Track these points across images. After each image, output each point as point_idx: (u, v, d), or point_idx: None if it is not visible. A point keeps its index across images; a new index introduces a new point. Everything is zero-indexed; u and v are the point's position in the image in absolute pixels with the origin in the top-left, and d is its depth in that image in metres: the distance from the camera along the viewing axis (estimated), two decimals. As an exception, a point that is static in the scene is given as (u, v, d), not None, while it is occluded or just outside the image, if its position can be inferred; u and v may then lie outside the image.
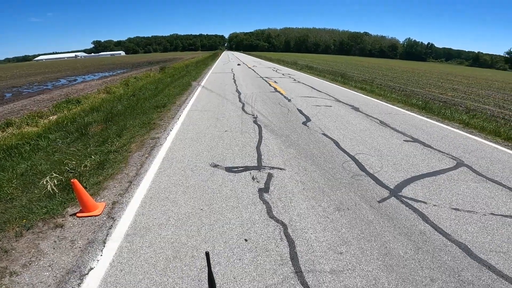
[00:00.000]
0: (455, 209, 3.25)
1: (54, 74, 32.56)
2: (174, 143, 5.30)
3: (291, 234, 2.77)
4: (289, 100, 9.25)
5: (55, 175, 3.74)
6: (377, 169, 4.16)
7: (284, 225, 2.91)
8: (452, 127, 6.72)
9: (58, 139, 5.48)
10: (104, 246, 2.66)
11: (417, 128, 6.36)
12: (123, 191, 3.62)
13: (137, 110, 7.75)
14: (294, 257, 2.48)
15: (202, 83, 13.53)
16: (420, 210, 3.20)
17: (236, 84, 13.10)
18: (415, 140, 5.48)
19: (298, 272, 2.31)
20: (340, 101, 9.29)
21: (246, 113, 7.52)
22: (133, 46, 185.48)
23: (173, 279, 2.26)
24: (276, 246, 2.61)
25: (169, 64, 29.81)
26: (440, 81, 23.40)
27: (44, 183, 3.57)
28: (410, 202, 3.36)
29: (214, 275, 2.25)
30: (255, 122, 6.65)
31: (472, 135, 6.14)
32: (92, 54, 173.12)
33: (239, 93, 10.51)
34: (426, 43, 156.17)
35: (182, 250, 2.58)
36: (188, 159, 4.59)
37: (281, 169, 4.19)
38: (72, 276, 2.34)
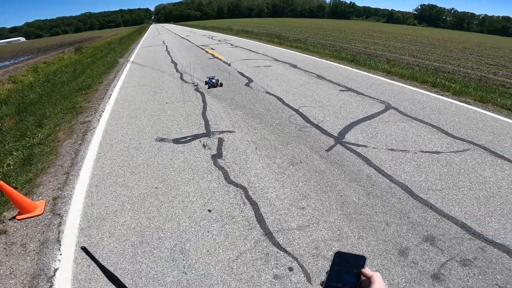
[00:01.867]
0: (391, 149, 3.63)
1: None
2: (109, 124, 4.78)
3: (252, 197, 2.80)
4: (229, 65, 9.00)
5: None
6: (320, 119, 4.42)
7: (244, 188, 2.93)
8: (377, 75, 7.43)
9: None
10: (60, 245, 2.38)
11: (349, 79, 6.87)
12: (62, 185, 3.20)
13: (56, 95, 6.69)
14: (260, 219, 2.52)
15: (131, 59, 12.17)
16: (363, 154, 3.52)
17: (170, 56, 12.12)
18: (349, 89, 5.94)
19: (268, 234, 2.36)
20: (278, 60, 9.40)
21: (186, 82, 7.10)
22: (35, 30, 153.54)
23: (146, 264, 2.15)
24: (241, 211, 2.62)
25: (87, 44, 25.79)
26: (363, 37, 25.25)
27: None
28: (353, 147, 3.68)
29: (185, 252, 2.22)
30: (196, 90, 6.34)
31: (394, 81, 6.90)
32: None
33: (175, 64, 9.80)
34: (349, 2, 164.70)
35: (147, 233, 2.44)
36: (130, 137, 4.21)
37: (230, 132, 4.16)
38: (39, 280, 2.07)
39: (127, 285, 0.74)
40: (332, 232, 2.38)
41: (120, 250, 2.29)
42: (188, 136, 4.10)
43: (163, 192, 2.96)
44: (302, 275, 2.00)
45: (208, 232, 2.42)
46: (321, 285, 0.61)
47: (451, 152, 3.58)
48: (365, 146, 3.70)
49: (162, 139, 4.07)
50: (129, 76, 8.54)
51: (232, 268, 2.06)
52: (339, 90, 5.88)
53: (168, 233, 2.43)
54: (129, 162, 3.55)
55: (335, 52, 11.28)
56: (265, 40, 16.68)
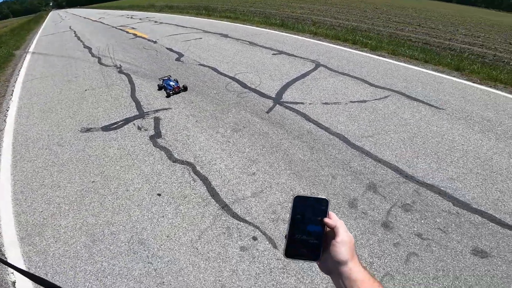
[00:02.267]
0: (325, 103, 3.84)
1: None
2: (19, 123, 4.04)
3: (201, 171, 2.71)
4: (155, 42, 8.24)
5: None
6: (257, 83, 4.42)
7: (190, 165, 2.81)
8: (305, 37, 7.67)
9: None
10: (6, 257, 2.10)
11: (280, 42, 6.95)
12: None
13: None
14: (214, 193, 2.46)
15: (31, 49, 10.25)
16: (301, 110, 3.66)
17: (81, 41, 10.52)
18: (281, 52, 6.02)
19: (225, 207, 2.32)
20: (209, 32, 8.96)
21: (106, 65, 6.30)
22: None
23: (107, 262, 1.96)
24: (192, 189, 2.52)
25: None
26: (290, 2, 25.57)
27: None
28: (291, 105, 3.79)
29: (144, 242, 2.08)
30: (120, 72, 5.70)
31: (321, 41, 7.22)
32: None
33: (89, 48, 8.57)
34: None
35: (97, 231, 2.21)
36: (48, 133, 3.63)
37: (166, 109, 3.89)
38: None
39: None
40: (285, 193, 2.44)
41: (73, 253, 2.06)
42: (119, 121, 3.71)
43: (102, 185, 2.67)
44: (267, 242, 2.03)
45: (163, 217, 2.30)
46: (285, 238, 0.56)
47: (375, 99, 3.96)
48: (302, 103, 3.86)
49: (88, 129, 3.61)
50: (32, 68, 7.22)
51: (197, 249, 2.01)
52: (272, 54, 5.92)
53: (121, 226, 2.24)
54: (54, 160, 3.09)
55: (265, 19, 11.23)
56: (192, 14, 15.65)
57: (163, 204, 2.40)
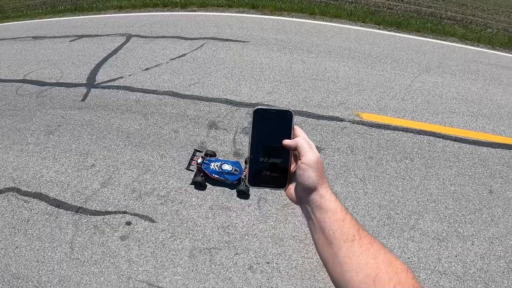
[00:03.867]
0: (146, 69, 3.64)
1: None
2: None
3: (29, 190, 2.23)
4: None
5: None
6: (58, 76, 3.64)
7: (13, 189, 2.29)
8: (109, 14, 6.81)
9: None
10: None
11: (76, 27, 5.86)
12: None
13: None
14: (58, 203, 2.15)
15: None
16: (122, 84, 3.32)
17: None
18: (80, 37, 5.12)
19: (79, 209, 2.01)
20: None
21: None
22: None
23: None
24: (30, 210, 1.92)
25: None
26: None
27: None
28: (109, 83, 3.37)
29: (19, 275, 1.44)
30: None
31: (129, 13, 6.61)
32: None
33: None
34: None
35: None
36: None
37: None
38: None
39: None
40: (136, 167, 2.30)
41: None
42: None
43: None
44: (143, 220, 1.95)
45: (17, 247, 1.88)
46: (246, 162, 0.36)
47: (193, 50, 4.04)
48: (121, 77, 3.50)
49: None
50: None
51: (78, 259, 1.78)
52: (70, 41, 4.94)
53: None
54: None
55: (50, 8, 9.14)
56: None
57: (8, 237, 1.93)
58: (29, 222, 1.99)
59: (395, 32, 5.72)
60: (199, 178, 2.04)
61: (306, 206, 0.44)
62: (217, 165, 2.02)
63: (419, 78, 3.72)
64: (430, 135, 2.70)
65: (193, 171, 2.12)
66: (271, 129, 0.46)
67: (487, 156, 2.54)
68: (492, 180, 2.31)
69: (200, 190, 2.07)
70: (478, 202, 2.13)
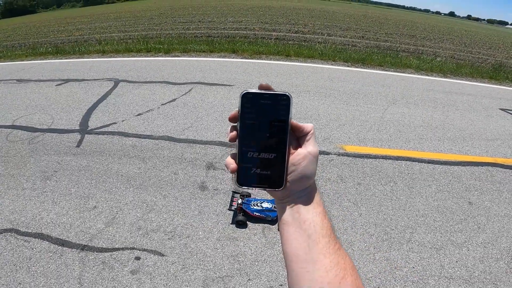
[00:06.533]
0: (139, 114, 3.78)
1: None
2: None
3: (29, 230, 2.10)
4: None
5: None
6: (49, 121, 3.67)
7: (11, 230, 2.16)
8: (93, 58, 7.00)
9: None
10: None
11: (61, 71, 5.95)
12: None
13: None
14: (62, 242, 2.00)
15: None
16: (117, 130, 3.42)
17: None
18: (67, 81, 5.21)
19: (85, 247, 1.92)
20: None
21: None
22: None
23: None
24: (32, 248, 1.89)
25: None
26: (61, 26, 22.08)
27: None
28: (103, 129, 3.45)
29: None
30: None
31: (113, 58, 6.84)
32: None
33: None
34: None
35: None
36: None
37: None
38: None
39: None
40: (139, 207, 2.36)
41: None
42: None
43: None
44: (152, 254, 1.98)
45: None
46: (233, 157, 0.40)
47: (182, 95, 4.29)
48: (114, 123, 3.61)
49: None
50: None
51: None
52: (56, 85, 5.01)
53: None
54: None
55: (30, 50, 9.18)
56: None
57: (9, 273, 1.86)
58: (32, 259, 1.94)
59: (361, 68, 6.43)
60: (241, 217, 2.16)
61: (288, 200, 0.40)
62: (257, 204, 2.18)
63: (388, 110, 4.20)
64: (406, 160, 3.05)
65: (234, 211, 2.27)
66: (264, 116, 0.38)
67: (459, 173, 2.90)
68: (469, 193, 2.64)
69: (241, 228, 2.18)
70: (461, 213, 2.41)
